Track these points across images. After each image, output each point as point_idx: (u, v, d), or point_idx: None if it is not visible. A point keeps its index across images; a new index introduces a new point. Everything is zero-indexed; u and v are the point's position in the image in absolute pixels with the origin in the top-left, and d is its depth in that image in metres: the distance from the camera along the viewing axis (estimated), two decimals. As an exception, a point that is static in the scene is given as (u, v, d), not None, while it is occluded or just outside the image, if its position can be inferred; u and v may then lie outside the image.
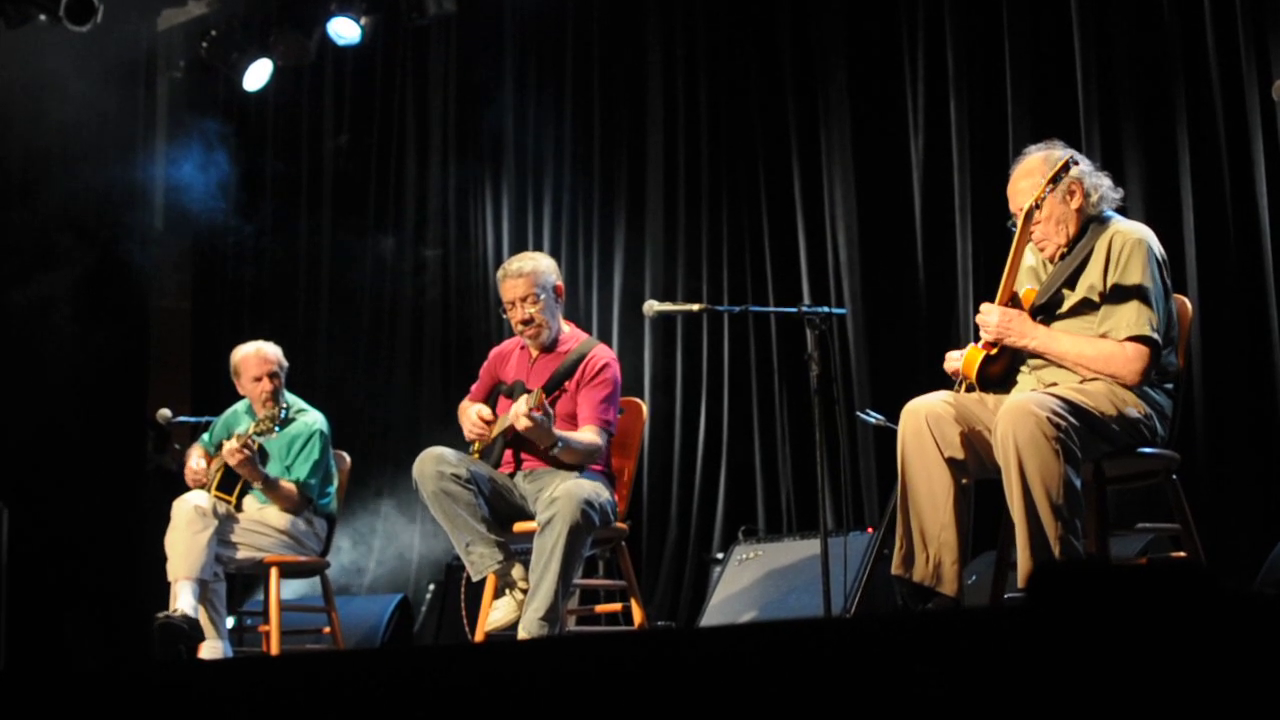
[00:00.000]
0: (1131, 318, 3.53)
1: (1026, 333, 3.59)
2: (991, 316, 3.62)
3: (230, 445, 5.12)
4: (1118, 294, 3.56)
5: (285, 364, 5.51)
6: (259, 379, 5.41)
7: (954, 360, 3.77)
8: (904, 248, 5.77)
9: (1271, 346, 4.79)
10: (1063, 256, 3.67)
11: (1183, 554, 3.80)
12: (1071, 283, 3.65)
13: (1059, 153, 3.71)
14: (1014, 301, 3.67)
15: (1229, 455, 4.86)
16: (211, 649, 4.94)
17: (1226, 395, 4.90)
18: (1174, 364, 3.66)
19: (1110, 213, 3.73)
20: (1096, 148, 5.18)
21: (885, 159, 5.88)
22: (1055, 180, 3.60)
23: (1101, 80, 5.26)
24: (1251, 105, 4.85)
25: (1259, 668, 1.12)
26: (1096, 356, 3.53)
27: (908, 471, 3.58)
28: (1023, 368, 3.71)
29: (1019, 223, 3.61)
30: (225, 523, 5.09)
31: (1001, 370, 3.71)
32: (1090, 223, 3.68)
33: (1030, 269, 3.80)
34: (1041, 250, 3.72)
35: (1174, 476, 3.69)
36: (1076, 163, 3.66)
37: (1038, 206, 3.60)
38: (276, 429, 5.17)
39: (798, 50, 6.18)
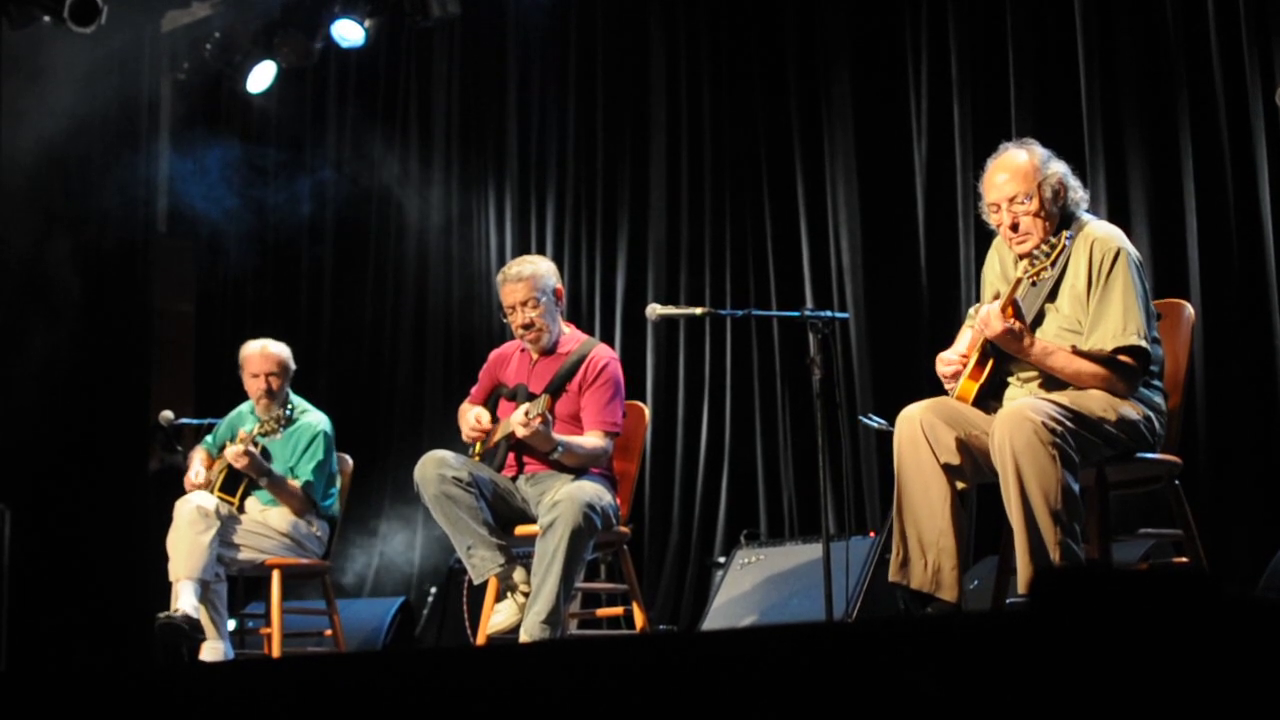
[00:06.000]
0: (1117, 328, 3.53)
1: (1022, 349, 3.56)
2: (994, 325, 3.57)
3: (234, 447, 5.12)
4: (1102, 304, 3.56)
5: (291, 365, 5.51)
6: (256, 376, 5.42)
7: (947, 364, 3.76)
8: (907, 252, 5.77)
9: (1274, 351, 4.79)
10: (1035, 259, 3.63)
11: (1185, 559, 3.80)
12: (1054, 295, 3.65)
13: (1041, 150, 3.71)
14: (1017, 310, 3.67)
15: (1231, 460, 4.86)
16: (212, 649, 4.94)
17: (1229, 400, 4.90)
18: (1159, 354, 3.65)
19: (1083, 213, 3.72)
20: (1100, 152, 5.18)
21: (888, 163, 5.88)
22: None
23: (1105, 85, 5.26)
24: (1255, 110, 4.85)
25: (1261, 674, 1.12)
26: (1095, 374, 3.53)
27: (903, 478, 3.58)
28: (1011, 380, 3.70)
29: (1003, 291, 3.62)
30: (228, 523, 5.09)
31: (989, 384, 3.70)
32: (1065, 220, 3.68)
33: (999, 271, 3.83)
34: (1020, 244, 3.69)
35: (1176, 482, 3.69)
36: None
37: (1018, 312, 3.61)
38: (281, 429, 5.18)
39: (801, 54, 6.18)
